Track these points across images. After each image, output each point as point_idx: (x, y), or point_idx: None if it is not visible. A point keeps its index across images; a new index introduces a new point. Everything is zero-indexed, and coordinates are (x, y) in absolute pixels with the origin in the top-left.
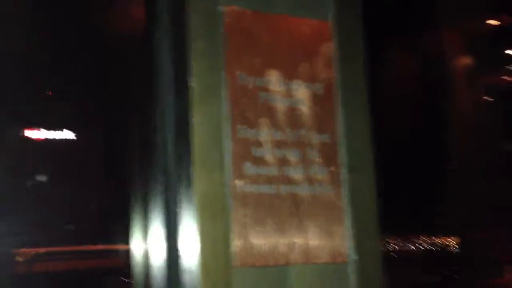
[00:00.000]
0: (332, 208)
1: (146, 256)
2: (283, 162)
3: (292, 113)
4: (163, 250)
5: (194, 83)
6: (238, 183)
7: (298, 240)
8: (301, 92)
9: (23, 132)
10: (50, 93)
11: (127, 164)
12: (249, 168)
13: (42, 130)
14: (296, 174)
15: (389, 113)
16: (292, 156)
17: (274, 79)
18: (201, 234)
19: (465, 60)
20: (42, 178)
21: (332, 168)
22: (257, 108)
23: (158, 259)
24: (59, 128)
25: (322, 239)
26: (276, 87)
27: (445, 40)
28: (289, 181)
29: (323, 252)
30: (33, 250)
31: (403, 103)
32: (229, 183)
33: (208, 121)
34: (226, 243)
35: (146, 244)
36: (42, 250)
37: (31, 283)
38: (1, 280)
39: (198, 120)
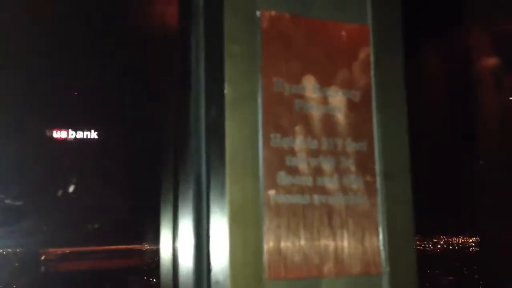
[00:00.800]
0: (366, 218)
1: (174, 261)
2: (317, 171)
3: (328, 120)
4: (191, 257)
5: (228, 88)
6: (271, 192)
7: (331, 252)
8: (338, 99)
9: (51, 133)
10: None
11: (160, 166)
12: (283, 177)
13: (71, 131)
14: (331, 183)
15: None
16: (327, 165)
17: (310, 86)
18: (231, 244)
19: (494, 60)
20: (70, 186)
21: (368, 177)
22: (292, 115)
23: (187, 266)
24: (91, 128)
25: (356, 250)
26: (312, 94)
27: (474, 39)
28: (323, 191)
29: (356, 264)
30: (60, 250)
31: (429, 103)
32: (262, 192)
33: (242, 127)
34: (258, 253)
35: (175, 250)
36: (67, 250)
37: (57, 282)
38: (28, 279)
39: (231, 127)
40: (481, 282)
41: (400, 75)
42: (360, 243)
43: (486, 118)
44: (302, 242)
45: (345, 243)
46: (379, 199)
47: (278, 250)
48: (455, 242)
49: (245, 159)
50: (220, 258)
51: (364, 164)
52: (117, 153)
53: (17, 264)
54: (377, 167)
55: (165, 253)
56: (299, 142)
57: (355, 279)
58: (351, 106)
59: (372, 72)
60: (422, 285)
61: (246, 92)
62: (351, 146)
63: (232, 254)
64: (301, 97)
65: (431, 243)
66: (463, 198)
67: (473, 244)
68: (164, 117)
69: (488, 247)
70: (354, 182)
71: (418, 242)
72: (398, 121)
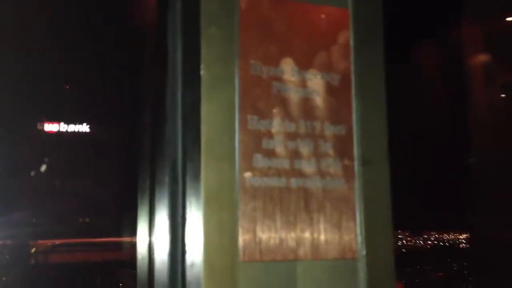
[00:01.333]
0: (343, 202)
1: (150, 249)
2: (294, 154)
3: (306, 104)
4: (167, 243)
5: (204, 71)
6: (247, 175)
7: (307, 235)
8: (316, 83)
9: (42, 126)
10: (67, 87)
11: (138, 156)
12: (259, 160)
13: (61, 123)
14: (308, 167)
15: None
16: (305, 148)
17: (288, 69)
18: (206, 227)
19: (484, 57)
20: (43, 168)
21: (346, 162)
22: (270, 98)
23: (162, 252)
24: (77, 121)
25: (332, 234)
26: (290, 77)
27: (465, 37)
28: (300, 174)
29: (332, 248)
30: (49, 242)
31: (422, 98)
32: (238, 176)
33: (218, 110)
34: (233, 237)
35: (151, 237)
36: (58, 241)
37: (46, 274)
38: (18, 271)
39: (207, 109)
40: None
41: (380, 61)
42: (337, 227)
43: (480, 115)
44: (278, 225)
45: (322, 227)
46: (357, 184)
47: (253, 233)
48: (446, 238)
49: (221, 142)
50: (195, 242)
51: (342, 149)
52: (104, 145)
53: (7, 257)
54: (356, 152)
55: (141, 242)
56: (276, 124)
57: (332, 262)
58: (330, 89)
59: (351, 57)
60: None
61: (223, 75)
62: (329, 130)
63: (207, 238)
64: (279, 79)
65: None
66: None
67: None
68: (141, 104)
69: (480, 243)
70: (332, 166)
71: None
72: (377, 106)
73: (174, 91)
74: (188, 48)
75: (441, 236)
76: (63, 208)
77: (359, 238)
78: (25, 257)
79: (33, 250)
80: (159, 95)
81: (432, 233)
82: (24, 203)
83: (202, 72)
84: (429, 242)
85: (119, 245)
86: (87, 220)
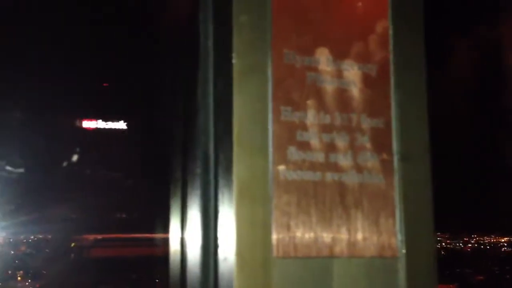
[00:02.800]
0: (381, 198)
1: (182, 242)
2: (330, 147)
3: (342, 95)
4: (199, 236)
5: (236, 60)
6: (281, 168)
7: (343, 231)
8: (353, 73)
9: (81, 123)
10: (106, 84)
11: (170, 148)
12: (293, 152)
13: (99, 121)
14: (344, 161)
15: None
16: (341, 141)
17: (323, 59)
18: (238, 221)
19: None
20: (75, 159)
21: (384, 156)
22: (304, 89)
23: (194, 246)
24: (115, 118)
25: (369, 231)
26: (326, 67)
27: (506, 31)
28: (336, 168)
29: (370, 245)
30: (90, 236)
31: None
32: (271, 168)
33: (250, 101)
34: (266, 231)
35: (184, 230)
36: (98, 236)
37: (85, 268)
38: (58, 265)
39: (238, 100)
40: None
41: (420, 51)
42: (375, 224)
43: None
44: (313, 220)
45: (359, 224)
46: (396, 180)
47: (287, 228)
48: (487, 241)
49: (254, 134)
50: (228, 235)
51: (380, 142)
52: (140, 141)
53: (47, 250)
54: (395, 146)
55: (173, 237)
56: (310, 116)
57: (369, 261)
58: (367, 81)
59: (390, 47)
60: None
61: (255, 64)
62: (366, 123)
63: (239, 232)
64: (314, 69)
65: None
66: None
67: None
68: (174, 96)
69: None
70: (370, 160)
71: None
72: (417, 98)
73: (205, 81)
74: (219, 36)
75: (481, 239)
76: (101, 203)
77: (399, 236)
78: (65, 251)
79: (72, 244)
80: (190, 86)
81: (472, 235)
82: (62, 198)
83: (233, 61)
84: (469, 245)
85: (156, 241)
86: (124, 215)
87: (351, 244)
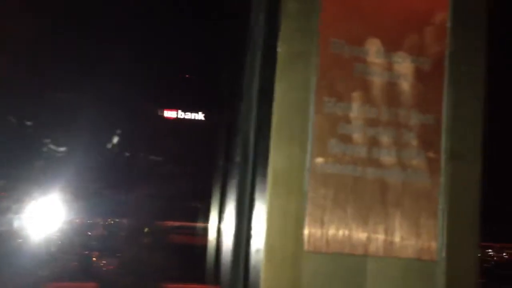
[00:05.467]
0: (424, 198)
1: (219, 232)
2: (373, 142)
3: (391, 89)
4: (233, 227)
5: (282, 47)
6: (319, 160)
7: (380, 230)
8: (404, 66)
9: (163, 112)
10: (188, 76)
11: (215, 136)
12: (334, 145)
13: (179, 111)
14: (387, 157)
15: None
16: (385, 137)
17: (374, 50)
18: (270, 211)
19: None
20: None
21: (431, 154)
22: (350, 80)
23: (228, 236)
24: (194, 109)
25: (408, 232)
26: (375, 59)
27: None
28: (378, 164)
29: (408, 246)
30: (165, 223)
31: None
32: (309, 160)
33: (293, 89)
34: (299, 224)
35: (221, 220)
36: (174, 223)
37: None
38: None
39: (281, 88)
40: None
41: (481, 45)
42: (415, 224)
43: None
44: (349, 216)
45: (398, 223)
46: (443, 180)
47: (321, 222)
48: None
49: (293, 124)
50: (258, 226)
51: (428, 140)
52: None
53: (122, 234)
54: (444, 144)
55: (212, 226)
56: (355, 109)
57: (406, 262)
58: (420, 75)
59: (447, 40)
60: None
61: (300, 52)
62: (415, 118)
63: (270, 222)
64: (362, 60)
65: None
66: None
67: None
68: (221, 84)
69: None
70: (415, 157)
71: None
72: (473, 95)
73: (252, 66)
74: (268, 22)
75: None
76: (177, 191)
77: (440, 239)
78: (138, 235)
79: (146, 229)
80: (237, 71)
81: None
82: (139, 185)
83: (278, 49)
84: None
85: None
86: (198, 205)
87: (388, 243)
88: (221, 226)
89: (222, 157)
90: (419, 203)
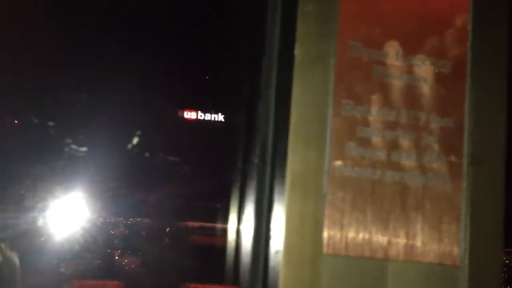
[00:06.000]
0: (446, 202)
1: (238, 233)
2: (393, 145)
3: (410, 92)
4: (252, 228)
5: (299, 50)
6: (338, 163)
7: (401, 234)
8: (424, 69)
9: (182, 113)
10: (208, 78)
11: (234, 137)
12: (352, 148)
13: (199, 112)
14: (407, 160)
15: None
16: (405, 140)
17: (393, 52)
18: (288, 213)
19: None
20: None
21: (452, 158)
22: (369, 83)
23: (247, 238)
24: (213, 111)
25: (429, 237)
26: (395, 61)
27: None
28: (398, 167)
29: (429, 251)
30: (186, 223)
31: None
32: (327, 163)
33: (311, 92)
34: (317, 226)
35: (240, 222)
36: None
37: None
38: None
39: (298, 90)
40: None
41: (502, 48)
42: (436, 229)
43: None
44: (369, 220)
45: (419, 227)
46: (465, 184)
47: (340, 225)
48: None
49: (311, 126)
50: (276, 228)
51: (449, 143)
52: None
53: (143, 233)
54: (466, 148)
55: (231, 227)
56: (374, 112)
57: (427, 267)
58: (440, 78)
59: (468, 43)
60: None
61: (318, 54)
62: (435, 122)
63: (288, 224)
64: (381, 63)
65: None
66: None
67: None
68: (240, 85)
69: None
70: (436, 161)
71: None
72: (496, 99)
73: (269, 69)
74: (285, 25)
75: None
76: (198, 192)
77: (462, 245)
78: (160, 235)
79: (167, 229)
80: (255, 72)
81: None
82: (160, 185)
83: (296, 51)
84: None
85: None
86: (218, 205)
87: (409, 248)
88: (240, 227)
89: (241, 159)
90: (440, 207)
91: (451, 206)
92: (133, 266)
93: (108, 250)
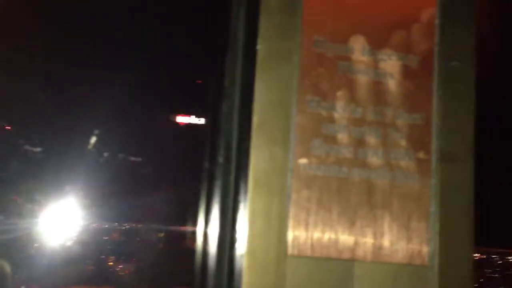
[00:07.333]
0: (414, 200)
1: (205, 236)
2: (359, 142)
3: (377, 87)
4: (217, 231)
5: (262, 45)
6: (302, 161)
7: (368, 233)
8: (391, 64)
9: (175, 118)
10: (200, 81)
11: (203, 138)
12: (318, 146)
13: (192, 116)
14: (374, 158)
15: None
16: (372, 137)
17: (358, 47)
18: (251, 213)
19: None
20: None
21: (420, 154)
22: (334, 79)
23: (213, 241)
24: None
25: (398, 235)
26: (360, 56)
27: None
28: (365, 165)
29: (398, 251)
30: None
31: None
32: (292, 160)
33: (274, 88)
34: (282, 227)
35: (207, 225)
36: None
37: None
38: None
39: (261, 87)
40: None
41: (470, 43)
42: (405, 228)
43: None
44: (335, 219)
45: (386, 226)
46: (434, 181)
47: (305, 225)
48: None
49: (275, 123)
50: (240, 229)
51: (417, 140)
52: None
53: (138, 239)
54: (434, 144)
55: (199, 229)
56: (340, 108)
57: (396, 267)
58: (407, 73)
59: (436, 37)
60: None
61: (281, 50)
62: (402, 118)
63: (251, 225)
64: (347, 59)
65: None
66: None
67: None
68: (207, 84)
69: None
70: (404, 158)
71: None
72: (464, 94)
73: (233, 65)
74: (249, 20)
75: None
76: (190, 197)
77: (432, 244)
78: (154, 240)
79: (161, 234)
80: (220, 70)
81: None
82: (153, 191)
83: (258, 46)
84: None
85: None
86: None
87: (377, 248)
88: (207, 230)
89: (208, 159)
90: (409, 205)
91: (420, 204)
92: (126, 272)
93: (102, 256)
